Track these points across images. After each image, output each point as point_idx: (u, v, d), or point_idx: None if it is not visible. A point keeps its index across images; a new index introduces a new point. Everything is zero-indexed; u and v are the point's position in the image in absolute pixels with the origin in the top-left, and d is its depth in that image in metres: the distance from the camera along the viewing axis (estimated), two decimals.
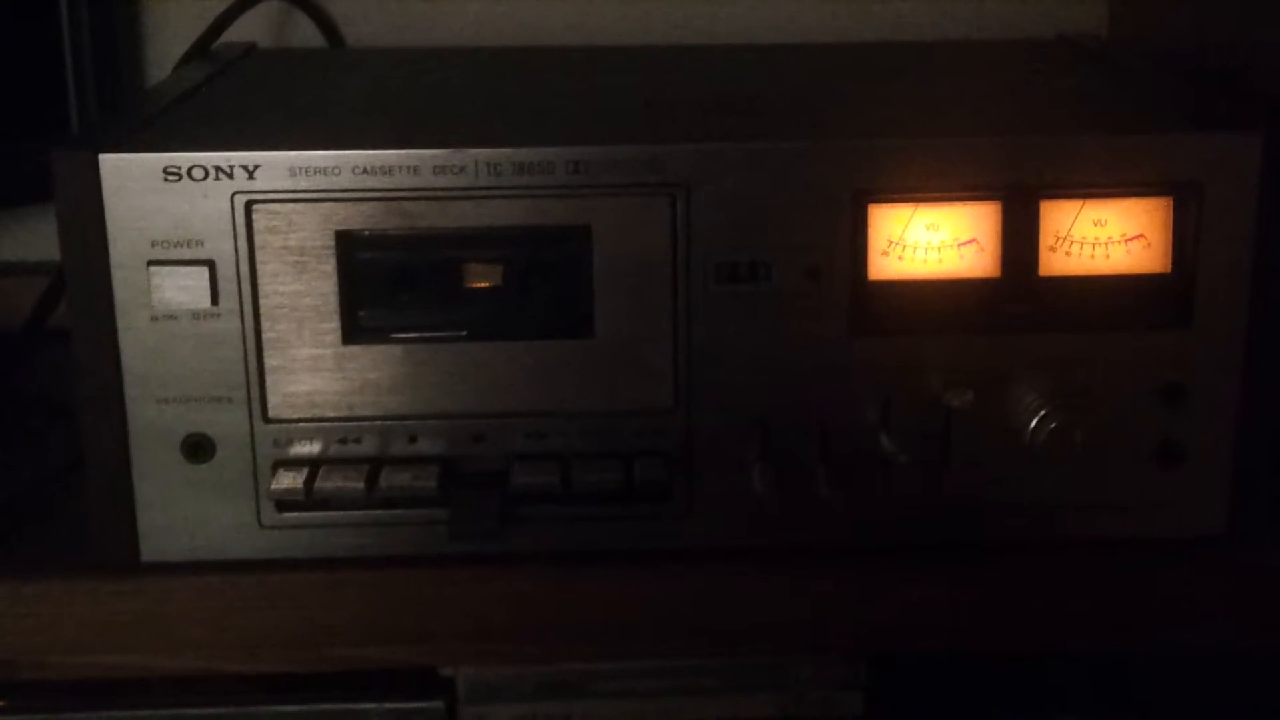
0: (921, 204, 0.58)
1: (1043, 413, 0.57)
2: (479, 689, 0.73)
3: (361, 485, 0.58)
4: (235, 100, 0.69)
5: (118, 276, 0.57)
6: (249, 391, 0.58)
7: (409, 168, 0.56)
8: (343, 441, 0.59)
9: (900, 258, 0.58)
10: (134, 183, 0.56)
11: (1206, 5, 0.77)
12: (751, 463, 0.59)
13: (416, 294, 0.58)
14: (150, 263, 0.56)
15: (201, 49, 0.81)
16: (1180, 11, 0.80)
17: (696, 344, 0.58)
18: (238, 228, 0.57)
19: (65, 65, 0.82)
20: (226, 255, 0.57)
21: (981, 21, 0.88)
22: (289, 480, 0.58)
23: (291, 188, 0.56)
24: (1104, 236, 0.58)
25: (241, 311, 0.57)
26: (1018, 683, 0.77)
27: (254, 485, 0.59)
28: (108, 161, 0.56)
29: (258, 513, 0.59)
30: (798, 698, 0.75)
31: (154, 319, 0.57)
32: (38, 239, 0.88)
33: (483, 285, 0.58)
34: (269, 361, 0.58)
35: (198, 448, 0.58)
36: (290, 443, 0.59)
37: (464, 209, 0.57)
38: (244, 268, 0.57)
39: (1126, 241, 0.59)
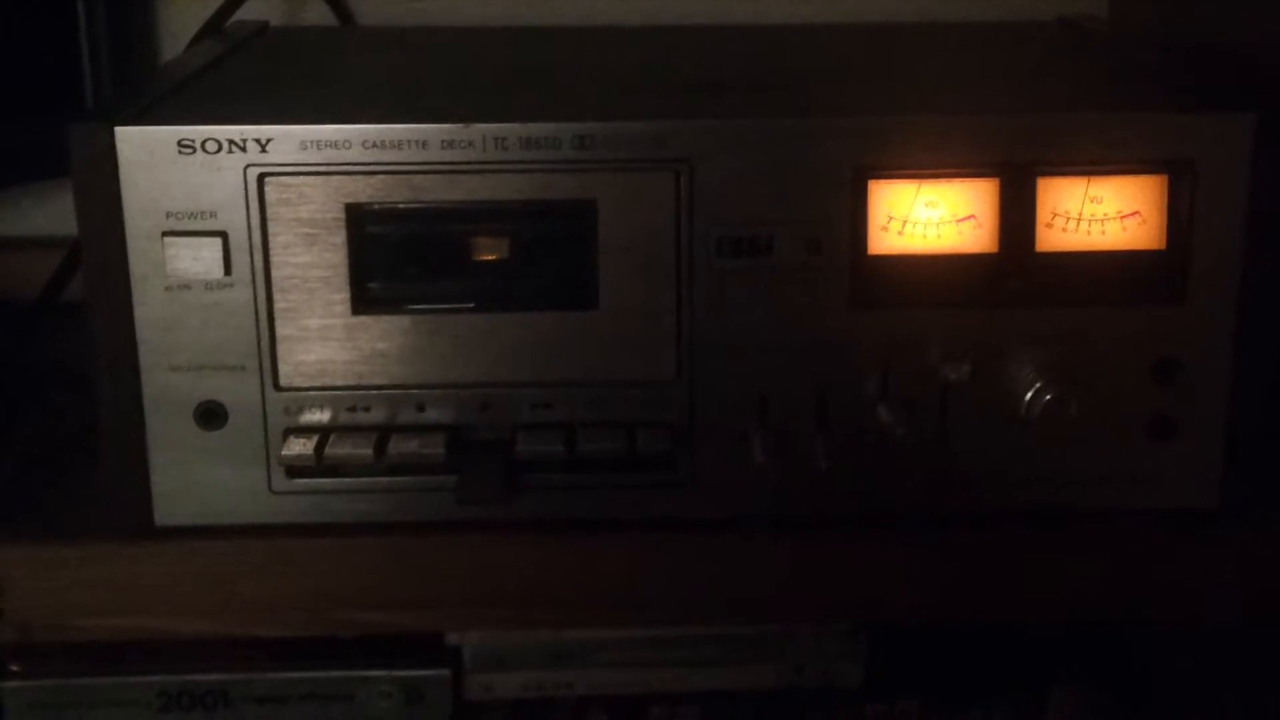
0: (921, 180, 0.59)
1: (1038, 386, 0.58)
2: (485, 658, 0.74)
3: (370, 452, 0.59)
4: (248, 76, 0.70)
5: (133, 247, 0.57)
6: (261, 360, 0.59)
7: (417, 142, 0.57)
8: (352, 409, 0.60)
9: (900, 233, 0.59)
10: (149, 156, 0.57)
11: None
12: (752, 433, 0.60)
13: (424, 266, 0.59)
14: (165, 234, 0.57)
15: (215, 27, 0.81)
16: None
17: (699, 316, 0.59)
18: (250, 200, 0.57)
19: (80, 42, 0.82)
20: (239, 227, 0.58)
21: (983, 3, 0.89)
22: (299, 447, 0.59)
23: (303, 161, 0.57)
24: (1100, 213, 0.59)
25: (254, 282, 0.58)
26: (1013, 654, 0.78)
27: (265, 452, 0.60)
28: (123, 135, 0.57)
29: (269, 478, 0.60)
30: (798, 669, 0.76)
31: (168, 289, 0.58)
32: (53, 214, 0.88)
33: (489, 258, 0.59)
34: (280, 331, 0.59)
35: (210, 415, 0.59)
36: (301, 410, 0.60)
37: (471, 183, 0.58)
38: (256, 239, 0.58)
39: (1122, 218, 0.59)
